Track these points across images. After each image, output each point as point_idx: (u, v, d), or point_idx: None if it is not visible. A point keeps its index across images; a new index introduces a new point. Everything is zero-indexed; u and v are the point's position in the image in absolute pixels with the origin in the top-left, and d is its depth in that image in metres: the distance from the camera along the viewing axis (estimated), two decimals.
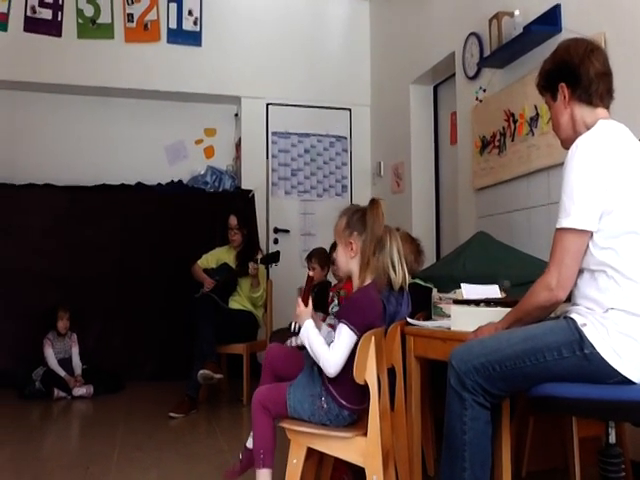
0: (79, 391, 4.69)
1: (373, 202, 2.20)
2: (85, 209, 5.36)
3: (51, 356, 4.78)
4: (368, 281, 2.16)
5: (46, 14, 5.44)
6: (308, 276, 2.29)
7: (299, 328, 2.15)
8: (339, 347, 2.03)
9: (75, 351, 4.92)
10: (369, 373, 2.02)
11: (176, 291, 5.09)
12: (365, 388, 2.06)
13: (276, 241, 5.92)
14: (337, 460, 2.28)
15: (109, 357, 5.18)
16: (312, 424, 2.10)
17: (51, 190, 5.40)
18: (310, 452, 2.15)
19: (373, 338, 2.01)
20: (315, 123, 6.02)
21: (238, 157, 5.98)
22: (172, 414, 4.07)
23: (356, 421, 2.16)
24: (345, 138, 6.14)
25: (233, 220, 4.72)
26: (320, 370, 2.10)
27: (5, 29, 5.38)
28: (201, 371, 4.09)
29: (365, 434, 2.03)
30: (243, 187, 5.81)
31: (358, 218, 2.19)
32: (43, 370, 4.73)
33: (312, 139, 6.06)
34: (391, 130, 5.72)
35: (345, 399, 2.10)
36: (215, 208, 5.37)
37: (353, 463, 2.08)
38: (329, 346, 2.05)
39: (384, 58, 5.90)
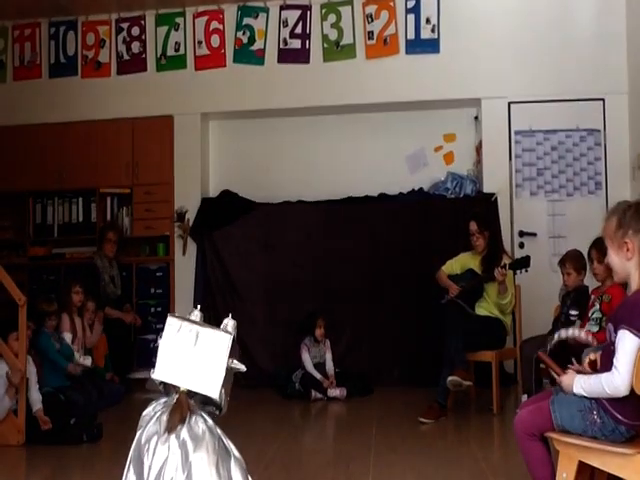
0: (333, 392, 4.94)
1: None
2: (334, 222, 5.68)
3: (308, 360, 5.11)
4: None
5: (296, 44, 5.91)
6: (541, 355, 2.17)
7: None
8: (624, 359, 1.85)
9: (329, 356, 5.19)
10: None
11: (422, 298, 5.12)
12: None
13: (522, 245, 5.64)
14: (611, 478, 2.06)
15: (359, 362, 5.39)
16: (584, 437, 1.93)
17: (303, 206, 5.83)
18: (581, 467, 1.98)
19: None
20: (563, 118, 5.61)
21: (479, 160, 5.84)
22: (422, 419, 4.09)
23: (634, 437, 1.94)
24: (598, 131, 5.62)
25: (473, 225, 4.63)
26: None
27: (262, 63, 5.96)
28: (450, 377, 4.06)
29: None
30: (485, 191, 5.65)
31: (632, 214, 2.00)
32: (302, 373, 5.07)
33: (560, 135, 5.66)
34: None
35: (621, 413, 1.90)
36: (457, 214, 5.31)
37: None
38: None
39: None
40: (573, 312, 3.81)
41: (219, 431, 2.00)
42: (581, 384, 1.96)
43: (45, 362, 4.26)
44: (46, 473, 3.42)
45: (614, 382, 1.86)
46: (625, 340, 1.85)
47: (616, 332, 1.90)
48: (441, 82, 5.68)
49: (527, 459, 2.05)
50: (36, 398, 3.87)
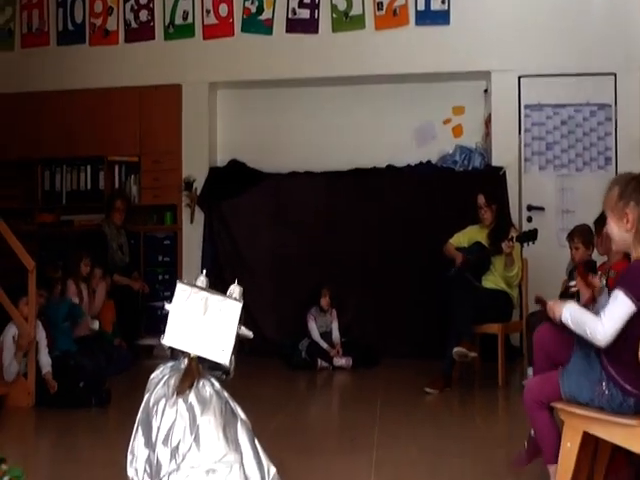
0: (339, 361, 4.99)
1: None
2: (341, 193, 5.68)
3: (314, 329, 5.15)
4: None
5: (304, 14, 5.83)
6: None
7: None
8: (611, 313, 1.88)
9: (335, 325, 5.24)
10: None
11: (429, 270, 5.11)
12: None
13: (530, 219, 5.63)
14: (616, 450, 2.08)
15: (365, 333, 5.42)
16: (591, 408, 1.95)
17: (311, 177, 5.81)
18: (586, 438, 1.99)
19: None
20: (573, 92, 5.55)
21: (488, 134, 5.80)
22: (427, 389, 4.13)
23: None
24: (609, 106, 5.56)
25: (481, 199, 4.63)
26: (598, 352, 1.94)
27: (270, 32, 5.89)
28: (456, 348, 4.08)
29: None
30: (494, 164, 5.62)
31: (635, 187, 2.00)
32: (308, 342, 5.11)
33: (569, 109, 5.59)
34: None
35: (630, 384, 1.91)
36: (465, 187, 5.26)
37: (636, 456, 1.88)
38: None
39: None
40: (572, 283, 3.82)
41: (226, 394, 2.03)
42: (570, 311, 2.00)
43: (54, 328, 4.30)
44: (54, 435, 3.48)
45: (596, 331, 1.90)
46: (618, 299, 1.88)
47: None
48: (451, 54, 5.61)
49: (535, 428, 2.08)
50: (45, 361, 3.92)
